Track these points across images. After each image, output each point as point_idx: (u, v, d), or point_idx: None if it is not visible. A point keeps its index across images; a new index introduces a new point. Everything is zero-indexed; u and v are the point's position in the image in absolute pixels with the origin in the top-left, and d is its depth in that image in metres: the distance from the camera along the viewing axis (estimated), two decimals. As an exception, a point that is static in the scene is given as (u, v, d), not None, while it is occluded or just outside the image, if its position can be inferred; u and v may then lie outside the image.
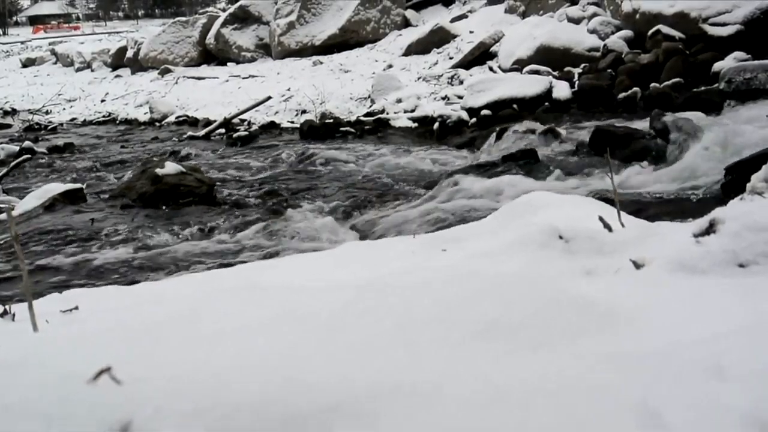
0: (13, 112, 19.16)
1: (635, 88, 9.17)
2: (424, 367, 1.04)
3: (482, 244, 2.50)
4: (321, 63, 16.96)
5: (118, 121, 15.86)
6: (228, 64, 19.86)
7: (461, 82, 11.95)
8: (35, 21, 76.07)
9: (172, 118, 14.71)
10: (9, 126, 16.17)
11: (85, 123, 16.27)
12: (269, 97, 13.36)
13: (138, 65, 22.35)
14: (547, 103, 9.75)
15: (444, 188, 6.44)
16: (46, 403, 0.93)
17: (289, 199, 6.84)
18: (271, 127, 12.32)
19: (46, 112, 18.23)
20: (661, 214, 4.65)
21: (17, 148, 10.87)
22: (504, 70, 11.90)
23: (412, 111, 11.24)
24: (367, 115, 11.65)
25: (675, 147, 6.34)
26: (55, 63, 30.07)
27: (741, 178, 4.30)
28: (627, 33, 10.92)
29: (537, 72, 11.02)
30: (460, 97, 10.73)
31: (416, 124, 10.78)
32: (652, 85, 9.13)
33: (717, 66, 8.65)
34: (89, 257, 5.32)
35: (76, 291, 2.82)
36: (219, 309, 1.38)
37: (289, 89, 14.48)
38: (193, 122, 14.04)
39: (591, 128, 7.45)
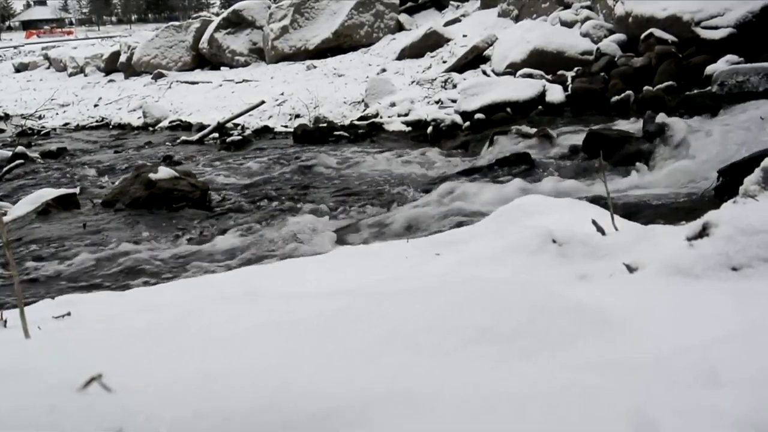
0: (6, 117, 19.06)
1: (628, 92, 9.19)
2: (418, 374, 1.03)
3: (476, 248, 2.49)
4: (315, 67, 16.95)
5: (111, 126, 15.80)
6: (221, 68, 19.85)
7: (455, 86, 11.96)
8: (28, 26, 76.03)
9: (165, 123, 14.67)
10: (2, 131, 16.08)
11: (78, 128, 16.20)
12: (263, 102, 13.35)
13: (131, 70, 22.31)
14: (540, 107, 9.77)
15: (438, 192, 6.45)
16: (36, 411, 0.92)
17: (282, 203, 6.83)
18: (264, 132, 12.32)
19: (39, 117, 18.15)
20: (655, 218, 4.66)
21: (10, 153, 10.82)
22: (497, 74, 11.92)
23: (406, 115, 11.24)
24: (360, 119, 11.65)
25: (668, 150, 6.36)
26: (48, 68, 30.01)
27: (734, 181, 4.32)
28: (620, 36, 10.95)
29: (530, 75, 11.04)
30: (454, 101, 10.73)
31: (410, 128, 10.78)
32: (645, 88, 9.16)
33: (709, 69, 8.69)
34: (82, 263, 5.29)
35: (69, 297, 2.81)
36: (211, 316, 1.37)
37: (282, 93, 14.47)
38: (187, 127, 14.02)
39: (584, 132, 7.47)
